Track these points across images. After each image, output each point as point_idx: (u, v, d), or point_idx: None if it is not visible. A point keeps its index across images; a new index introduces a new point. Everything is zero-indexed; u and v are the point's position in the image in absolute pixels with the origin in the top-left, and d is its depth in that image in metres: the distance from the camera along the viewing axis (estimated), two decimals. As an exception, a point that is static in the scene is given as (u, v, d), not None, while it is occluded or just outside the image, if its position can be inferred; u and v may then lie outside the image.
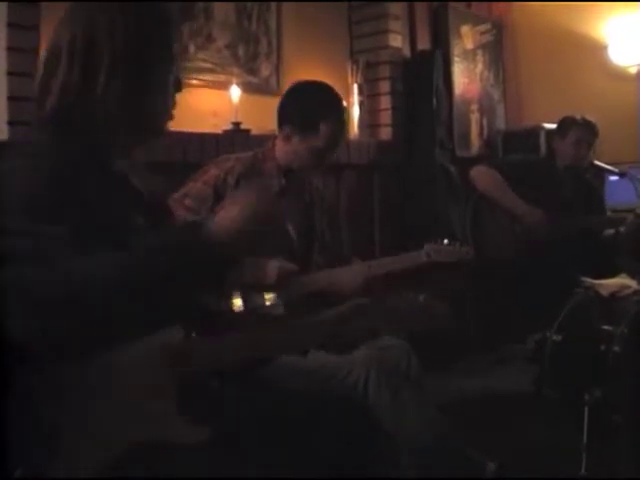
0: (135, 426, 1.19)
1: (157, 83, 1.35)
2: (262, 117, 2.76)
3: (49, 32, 2.70)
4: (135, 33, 1.30)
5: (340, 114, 2.33)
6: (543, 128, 4.36)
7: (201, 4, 3.35)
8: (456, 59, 4.54)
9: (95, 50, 1.28)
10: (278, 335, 1.40)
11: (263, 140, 2.55)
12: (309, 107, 2.31)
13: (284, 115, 2.34)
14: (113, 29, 1.29)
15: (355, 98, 3.93)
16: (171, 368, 1.23)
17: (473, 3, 4.80)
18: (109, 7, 1.32)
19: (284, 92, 2.46)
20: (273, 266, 2.13)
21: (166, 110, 1.38)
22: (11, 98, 2.56)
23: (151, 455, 1.19)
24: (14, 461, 1.10)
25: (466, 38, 4.65)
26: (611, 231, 3.43)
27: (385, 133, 4.12)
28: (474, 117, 4.70)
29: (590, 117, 3.54)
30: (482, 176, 3.61)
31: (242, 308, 2.02)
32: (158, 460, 1.19)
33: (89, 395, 1.16)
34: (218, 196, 2.25)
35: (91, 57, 1.28)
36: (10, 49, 2.56)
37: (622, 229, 3.33)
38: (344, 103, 2.39)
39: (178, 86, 1.40)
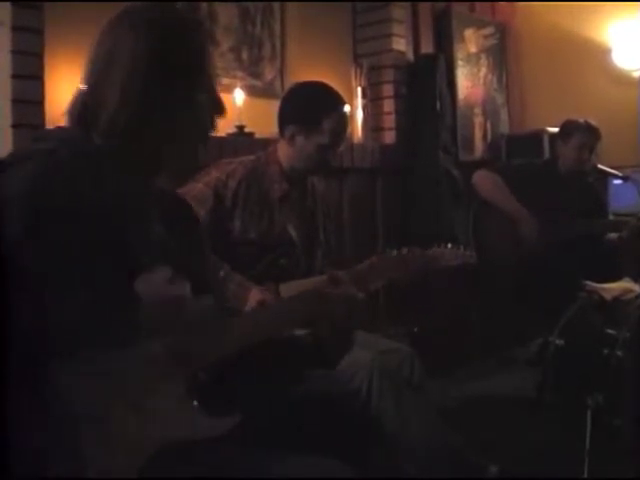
0: (156, 428, 1.21)
1: (180, 103, 1.33)
2: (266, 120, 2.76)
3: (53, 35, 2.72)
4: (161, 56, 1.29)
5: (341, 109, 2.34)
6: (547, 132, 4.36)
7: (205, 7, 3.35)
8: (460, 63, 4.54)
9: (119, 64, 1.27)
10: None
11: (267, 143, 2.56)
12: (311, 105, 2.32)
13: (286, 116, 2.35)
14: (138, 44, 1.28)
15: (359, 101, 3.93)
16: (175, 368, 1.25)
17: (477, 7, 4.80)
18: (138, 27, 1.31)
19: (283, 94, 2.48)
20: (255, 296, 2.11)
21: (191, 133, 1.37)
22: (15, 101, 2.57)
23: (179, 454, 1.20)
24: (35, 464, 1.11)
25: (469, 42, 4.65)
26: (614, 235, 3.43)
27: (389, 137, 4.12)
28: (478, 121, 4.71)
29: (592, 121, 3.54)
30: (483, 181, 3.62)
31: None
32: (186, 457, 1.21)
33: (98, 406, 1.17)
34: (218, 198, 2.25)
35: (115, 71, 1.27)
36: (14, 52, 2.57)
37: (624, 233, 3.33)
38: (344, 99, 2.40)
39: (216, 109, 1.38)
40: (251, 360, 1.38)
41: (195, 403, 1.26)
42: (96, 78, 1.30)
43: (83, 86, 1.32)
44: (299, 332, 1.92)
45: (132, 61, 1.27)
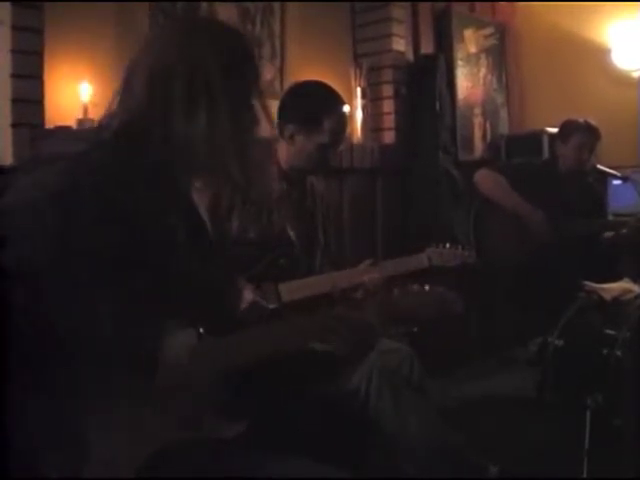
0: (165, 425, 1.21)
1: (229, 118, 1.32)
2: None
3: (53, 35, 2.72)
4: (214, 66, 1.29)
5: (341, 108, 2.33)
6: (546, 132, 4.36)
7: (205, 7, 3.35)
8: (459, 63, 4.54)
9: (166, 82, 1.27)
10: (283, 332, 1.42)
11: (266, 143, 2.55)
12: (311, 104, 2.31)
13: (285, 115, 2.34)
14: (194, 61, 1.28)
15: (358, 102, 3.93)
16: (192, 368, 1.25)
17: (476, 7, 4.80)
18: (190, 40, 1.32)
19: (283, 94, 2.48)
20: (247, 297, 2.09)
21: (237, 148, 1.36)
22: (15, 100, 2.57)
23: (186, 451, 1.21)
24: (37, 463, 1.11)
25: (469, 42, 4.65)
26: (610, 234, 3.43)
27: (388, 137, 4.12)
28: (477, 121, 4.71)
29: (592, 121, 3.54)
30: (485, 180, 3.62)
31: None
32: (194, 455, 1.22)
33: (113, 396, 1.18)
34: (214, 199, 2.25)
35: (168, 87, 1.27)
36: (14, 51, 2.57)
37: (623, 232, 3.34)
38: (344, 98, 2.39)
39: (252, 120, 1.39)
40: (266, 369, 1.38)
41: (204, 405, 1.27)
42: (140, 88, 1.30)
43: (118, 95, 1.32)
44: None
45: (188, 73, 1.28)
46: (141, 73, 1.30)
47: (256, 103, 1.37)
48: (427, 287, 1.63)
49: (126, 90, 1.32)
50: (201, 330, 1.31)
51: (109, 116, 1.32)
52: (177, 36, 1.34)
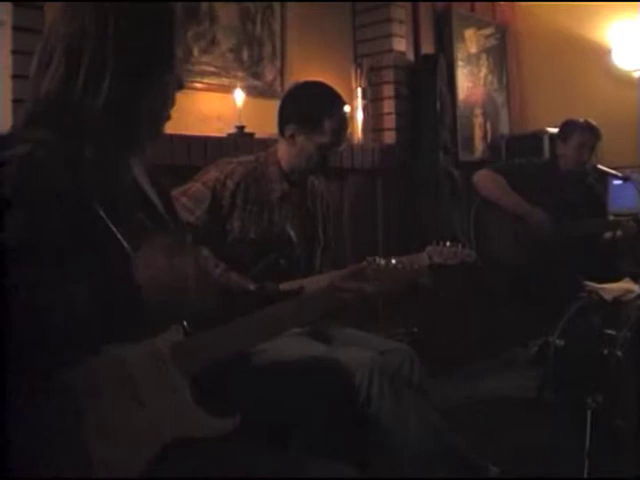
0: (160, 426, 1.21)
1: (152, 85, 1.32)
2: (266, 121, 2.76)
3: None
4: (130, 33, 1.28)
5: (342, 109, 2.34)
6: (546, 132, 4.37)
7: (205, 7, 3.36)
8: (460, 63, 4.54)
9: (87, 50, 1.26)
10: (271, 316, 1.42)
11: (267, 144, 2.55)
12: (312, 104, 2.32)
13: (286, 116, 2.35)
14: (107, 28, 1.26)
15: (359, 102, 3.93)
16: (181, 366, 1.25)
17: (477, 7, 4.80)
18: (104, 6, 1.29)
19: (284, 94, 2.48)
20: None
21: (162, 112, 1.37)
22: (16, 101, 2.57)
23: (185, 452, 1.21)
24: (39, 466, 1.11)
25: (470, 42, 4.65)
26: (609, 235, 3.43)
27: (389, 137, 4.12)
28: (478, 121, 4.71)
29: (593, 121, 3.54)
30: (484, 180, 3.62)
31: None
32: (190, 456, 1.22)
33: (102, 399, 1.18)
34: (215, 198, 2.26)
35: (83, 57, 1.26)
36: (15, 52, 2.57)
37: (619, 233, 3.34)
38: (344, 98, 2.40)
39: (178, 84, 1.38)
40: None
41: (195, 403, 1.27)
42: (57, 66, 1.29)
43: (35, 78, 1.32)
44: None
45: (99, 47, 1.26)
46: (58, 45, 1.29)
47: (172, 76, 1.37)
48: (393, 260, 1.65)
49: (42, 70, 1.31)
50: (185, 323, 1.31)
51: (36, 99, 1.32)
52: (88, 6, 1.31)
